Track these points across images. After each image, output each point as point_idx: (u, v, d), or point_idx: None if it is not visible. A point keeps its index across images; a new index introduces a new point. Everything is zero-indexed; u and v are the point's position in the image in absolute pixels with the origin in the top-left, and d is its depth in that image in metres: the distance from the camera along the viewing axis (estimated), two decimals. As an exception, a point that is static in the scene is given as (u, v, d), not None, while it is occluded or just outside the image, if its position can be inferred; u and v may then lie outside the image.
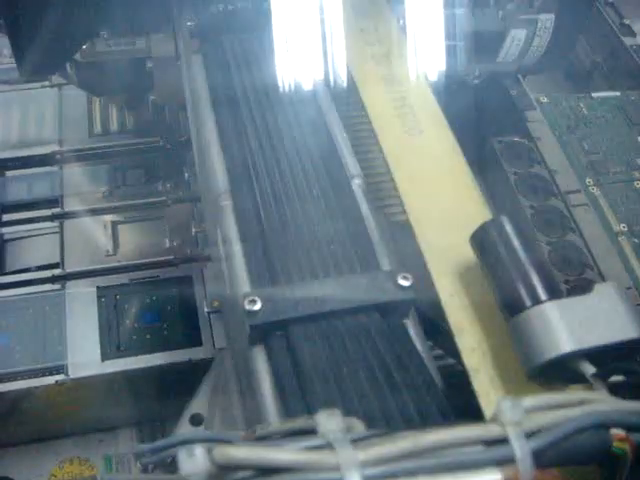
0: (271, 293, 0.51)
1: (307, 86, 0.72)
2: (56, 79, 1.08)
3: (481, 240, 0.53)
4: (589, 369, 0.46)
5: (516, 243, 0.52)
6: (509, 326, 0.50)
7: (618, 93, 1.13)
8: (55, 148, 1.00)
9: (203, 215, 0.93)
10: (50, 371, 0.83)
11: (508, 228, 0.52)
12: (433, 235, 0.60)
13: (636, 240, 0.98)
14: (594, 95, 1.13)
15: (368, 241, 0.57)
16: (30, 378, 0.82)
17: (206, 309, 0.87)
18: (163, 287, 0.90)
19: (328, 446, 0.35)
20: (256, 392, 0.50)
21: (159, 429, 0.99)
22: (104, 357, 0.84)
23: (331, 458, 0.34)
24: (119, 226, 0.95)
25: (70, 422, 0.93)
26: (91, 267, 0.90)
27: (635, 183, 1.03)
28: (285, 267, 0.54)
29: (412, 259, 0.58)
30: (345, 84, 0.74)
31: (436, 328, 0.56)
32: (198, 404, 0.68)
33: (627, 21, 1.19)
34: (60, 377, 0.82)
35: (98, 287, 0.89)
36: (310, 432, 0.37)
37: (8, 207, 0.96)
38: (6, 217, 0.95)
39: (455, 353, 0.54)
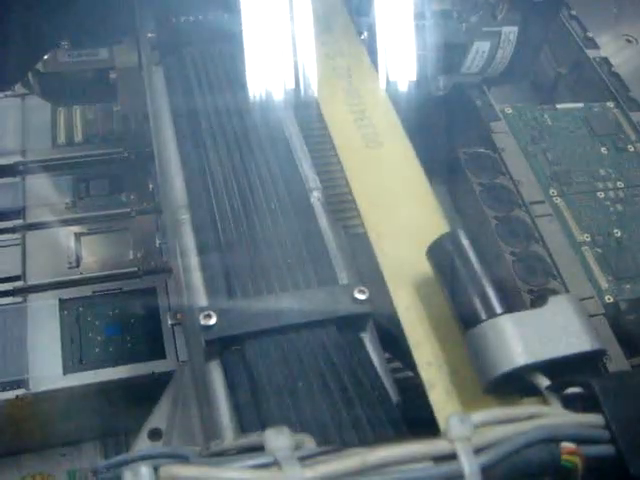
0: (227, 307, 0.51)
1: (267, 99, 0.71)
2: (19, 89, 1.06)
3: (437, 253, 0.53)
4: (543, 381, 0.46)
5: (471, 256, 0.52)
6: (465, 339, 0.50)
7: (582, 105, 1.14)
8: (18, 159, 0.99)
9: (165, 227, 0.92)
10: (11, 385, 0.82)
11: (464, 241, 0.53)
12: (391, 248, 0.60)
13: (599, 250, 0.99)
14: (558, 106, 1.14)
15: (325, 255, 0.57)
16: (-10, 393, 0.81)
17: (170, 321, 0.87)
18: (127, 299, 0.89)
19: (276, 464, 0.35)
20: (212, 406, 0.50)
21: (123, 443, 0.98)
22: (66, 370, 0.83)
23: (277, 476, 0.34)
24: (82, 238, 0.94)
25: (32, 437, 0.92)
26: (53, 279, 0.89)
27: (598, 194, 1.04)
28: (242, 281, 0.54)
29: (370, 272, 0.58)
30: (314, 95, 0.74)
31: (394, 341, 0.56)
32: (157, 418, 0.67)
33: (590, 34, 1.20)
34: (21, 391, 0.81)
35: (60, 300, 0.88)
36: (261, 449, 0.37)
37: (-30, 219, 0.94)
38: (-33, 229, 0.93)
39: (413, 365, 0.54)
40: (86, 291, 0.89)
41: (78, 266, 0.91)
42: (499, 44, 0.95)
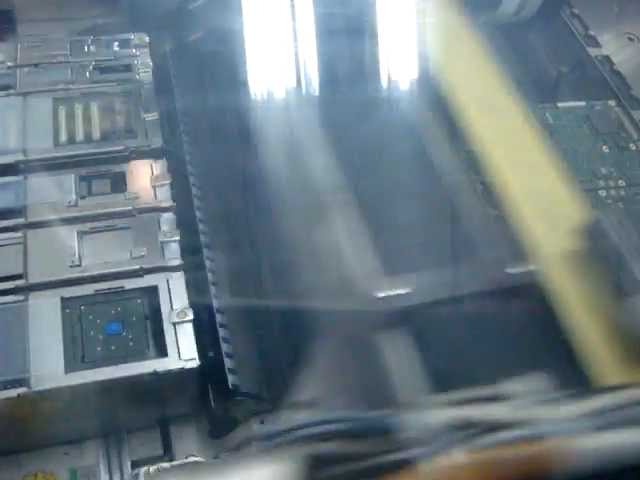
0: (403, 280, 0.55)
1: (402, 90, 0.74)
2: (21, 87, 1.07)
3: (597, 230, 0.61)
4: None
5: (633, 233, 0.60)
6: (623, 309, 0.56)
7: (584, 103, 1.14)
8: (19, 157, 0.99)
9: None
10: (12, 384, 0.81)
11: (625, 221, 0.61)
12: (536, 227, 0.64)
13: (600, 249, 1.00)
14: (560, 105, 1.14)
15: (476, 233, 0.60)
16: (-9, 391, 0.81)
17: (171, 320, 0.87)
18: (128, 298, 0.89)
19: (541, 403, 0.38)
20: (386, 376, 0.55)
21: (125, 441, 0.98)
22: (68, 369, 0.83)
23: (556, 412, 0.38)
24: (84, 236, 0.93)
25: (33, 435, 0.92)
26: (55, 278, 0.89)
27: (599, 192, 1.04)
28: (408, 257, 0.57)
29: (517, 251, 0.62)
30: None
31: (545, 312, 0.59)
32: (308, 388, 0.68)
33: (592, 32, 1.20)
34: (22, 390, 0.81)
35: (62, 298, 0.88)
36: (494, 399, 0.40)
37: (-30, 218, 0.94)
38: (-32, 228, 0.93)
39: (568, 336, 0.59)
40: (88, 290, 0.89)
41: (80, 265, 0.91)
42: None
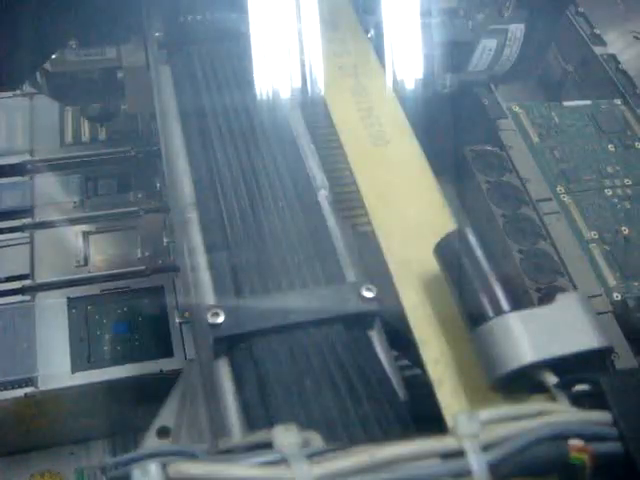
0: (235, 305, 0.51)
1: (274, 97, 0.72)
2: (27, 88, 1.07)
3: (444, 251, 0.53)
4: (551, 379, 0.46)
5: (479, 254, 0.52)
6: (472, 337, 0.50)
7: (589, 102, 1.14)
8: (26, 158, 1.00)
9: (172, 225, 0.92)
10: (19, 383, 0.82)
11: (471, 239, 0.52)
12: (398, 246, 0.60)
13: (606, 247, 0.99)
14: (565, 104, 1.14)
15: (333, 252, 0.57)
16: (-1, 391, 0.81)
17: (177, 320, 0.87)
18: (134, 298, 0.90)
19: (284, 461, 0.35)
20: (220, 403, 0.50)
21: (131, 441, 0.98)
22: (74, 369, 0.83)
23: (286, 473, 0.34)
24: (90, 236, 0.94)
25: (41, 435, 0.92)
26: (62, 278, 0.90)
27: (605, 191, 1.04)
28: (249, 279, 0.54)
29: (377, 270, 0.58)
30: (322, 93, 0.74)
31: (401, 339, 0.56)
32: (165, 416, 0.67)
33: (597, 31, 1.20)
34: (29, 389, 0.81)
35: (69, 298, 0.88)
36: (269, 446, 0.37)
37: (-22, 217, 0.95)
38: (-24, 228, 0.94)
39: (420, 363, 0.54)
40: (94, 290, 0.90)
41: (86, 265, 0.91)
42: (506, 42, 0.94)
